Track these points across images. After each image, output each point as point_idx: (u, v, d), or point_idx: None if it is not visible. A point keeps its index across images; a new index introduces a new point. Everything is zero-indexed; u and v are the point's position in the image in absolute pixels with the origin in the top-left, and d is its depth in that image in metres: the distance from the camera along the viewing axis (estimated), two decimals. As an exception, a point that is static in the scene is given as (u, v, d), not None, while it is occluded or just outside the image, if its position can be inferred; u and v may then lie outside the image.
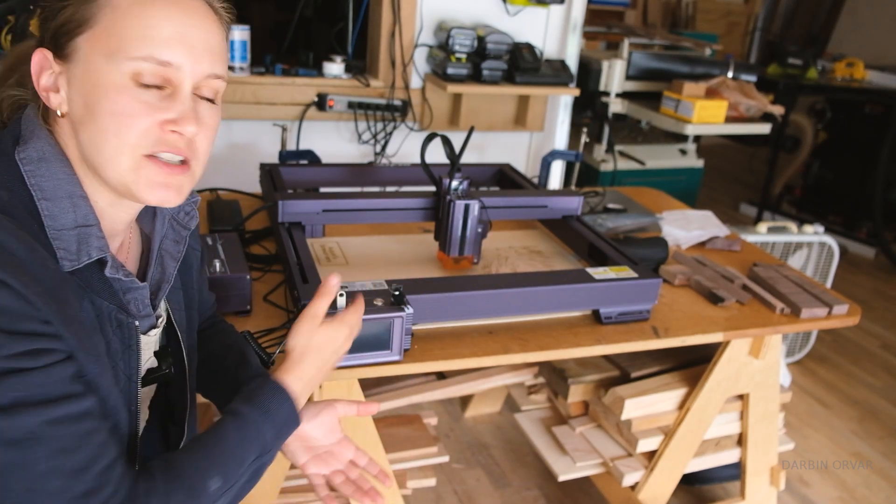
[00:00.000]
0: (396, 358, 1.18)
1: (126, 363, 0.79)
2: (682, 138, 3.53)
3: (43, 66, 0.74)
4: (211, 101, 0.77)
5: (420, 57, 2.58)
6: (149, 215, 0.88)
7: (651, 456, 1.71)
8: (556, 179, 2.93)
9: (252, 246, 1.59)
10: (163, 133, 0.72)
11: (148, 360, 0.86)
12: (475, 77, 2.46)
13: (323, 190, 1.80)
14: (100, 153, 0.72)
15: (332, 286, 0.91)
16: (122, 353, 0.78)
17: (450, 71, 2.42)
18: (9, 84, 0.80)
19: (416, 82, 2.60)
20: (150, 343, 0.85)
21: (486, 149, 2.85)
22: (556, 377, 1.80)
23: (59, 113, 0.74)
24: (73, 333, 0.68)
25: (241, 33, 2.29)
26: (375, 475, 1.04)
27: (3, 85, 0.80)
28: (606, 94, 3.19)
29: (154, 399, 0.94)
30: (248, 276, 1.27)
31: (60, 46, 0.73)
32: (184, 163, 0.75)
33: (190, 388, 0.96)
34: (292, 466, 1.46)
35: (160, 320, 0.86)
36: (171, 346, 0.93)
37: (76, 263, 0.72)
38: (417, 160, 1.55)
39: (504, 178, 1.91)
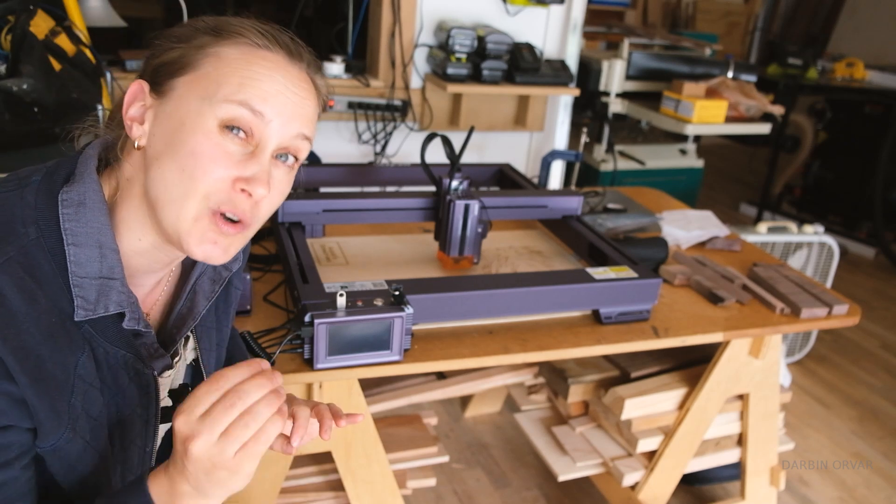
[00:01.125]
0: (396, 358, 1.18)
1: (144, 408, 0.79)
2: (682, 138, 3.53)
3: (136, 97, 0.74)
4: (289, 165, 0.76)
5: (420, 57, 2.58)
6: None
7: (651, 456, 1.71)
8: (556, 179, 2.93)
9: (252, 246, 1.60)
10: (233, 191, 0.71)
11: (163, 399, 0.85)
12: (475, 77, 2.46)
13: (323, 190, 1.80)
14: (168, 192, 0.71)
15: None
16: (140, 399, 0.78)
17: (450, 71, 2.42)
18: (94, 115, 0.80)
19: (416, 82, 2.60)
20: (164, 383, 0.85)
21: (486, 149, 2.85)
22: (556, 377, 1.80)
23: (136, 145, 0.74)
24: (43, 394, 0.67)
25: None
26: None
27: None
28: (606, 94, 3.19)
29: (170, 433, 0.94)
30: (248, 276, 1.27)
31: (158, 83, 0.73)
32: (241, 223, 0.74)
33: None
34: (292, 466, 1.46)
35: (177, 359, 0.85)
36: (193, 383, 0.92)
37: (90, 314, 0.71)
38: (417, 160, 1.55)
39: (504, 178, 1.91)
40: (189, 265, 0.87)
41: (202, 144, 0.69)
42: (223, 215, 0.72)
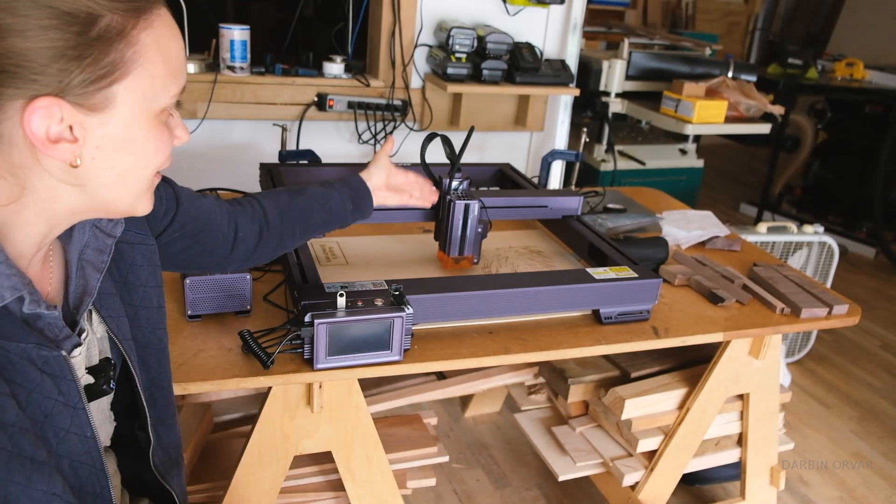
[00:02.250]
0: (396, 358, 1.18)
1: (65, 395, 0.74)
2: (682, 138, 3.53)
3: (51, 116, 0.66)
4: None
5: (420, 57, 2.58)
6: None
7: (651, 456, 1.71)
8: (556, 179, 2.93)
9: (252, 246, 1.59)
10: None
11: (82, 377, 0.80)
12: (475, 77, 2.46)
13: (323, 190, 1.80)
14: (124, 189, 0.73)
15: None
16: (59, 387, 0.73)
17: (450, 71, 2.42)
18: None
19: (416, 82, 2.60)
20: (79, 362, 0.80)
21: (486, 149, 2.85)
22: (556, 377, 1.80)
23: (69, 165, 0.68)
24: None
25: (241, 33, 2.29)
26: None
27: None
28: (606, 94, 3.19)
29: (121, 401, 0.91)
30: (248, 276, 1.27)
31: (88, 96, 0.66)
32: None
33: (156, 390, 0.92)
34: (292, 466, 1.46)
35: (84, 335, 0.81)
36: (115, 356, 0.87)
37: None
38: (417, 160, 1.55)
39: (504, 178, 1.91)
40: (65, 240, 0.82)
41: (160, 138, 0.73)
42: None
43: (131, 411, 0.94)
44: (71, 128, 0.67)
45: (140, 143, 0.71)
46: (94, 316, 0.85)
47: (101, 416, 0.87)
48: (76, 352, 0.78)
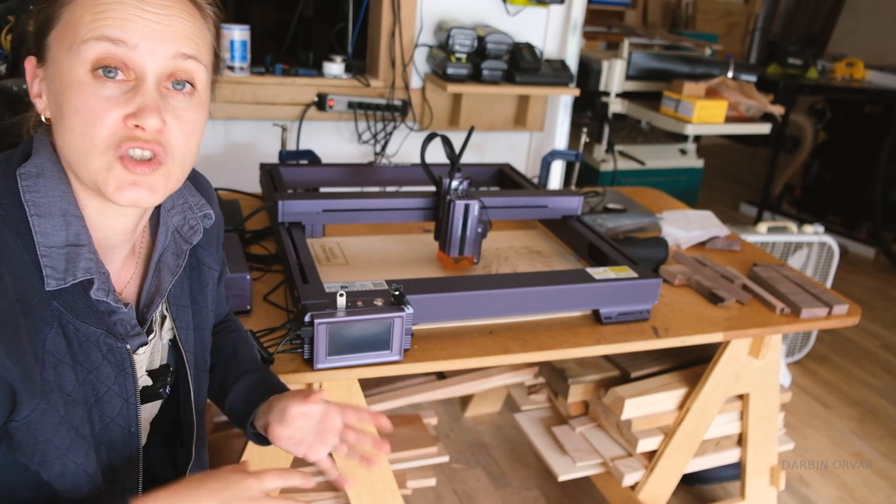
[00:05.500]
0: (396, 358, 1.18)
1: (121, 386, 0.78)
2: (682, 138, 3.53)
3: (33, 75, 0.74)
4: (186, 93, 0.73)
5: (420, 57, 2.58)
6: (154, 225, 0.86)
7: (651, 456, 1.71)
8: (556, 179, 2.93)
9: (252, 246, 1.59)
10: (127, 129, 0.69)
11: (140, 377, 0.84)
12: (475, 77, 2.46)
13: (323, 190, 1.80)
14: (72, 153, 0.70)
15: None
16: (116, 377, 0.77)
17: (450, 71, 2.42)
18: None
19: (416, 82, 2.60)
20: (141, 361, 0.84)
21: (486, 149, 2.85)
22: (556, 377, 1.80)
23: (43, 118, 0.74)
24: (17, 363, 0.66)
25: (241, 33, 2.29)
26: (372, 446, 0.96)
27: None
28: (606, 94, 3.19)
29: (160, 419, 0.93)
30: (248, 276, 1.27)
31: (38, 50, 0.72)
32: (154, 159, 0.71)
33: (197, 408, 0.94)
34: (292, 466, 1.46)
35: (152, 337, 0.85)
36: (177, 365, 0.91)
37: (62, 283, 0.70)
38: (417, 160, 1.55)
39: (504, 178, 1.91)
40: (152, 243, 0.86)
41: (80, 99, 0.68)
42: (132, 158, 0.70)
43: (168, 430, 0.96)
44: (40, 82, 0.73)
45: (69, 100, 0.69)
46: (167, 322, 0.89)
47: (143, 424, 0.89)
48: (141, 350, 0.82)
